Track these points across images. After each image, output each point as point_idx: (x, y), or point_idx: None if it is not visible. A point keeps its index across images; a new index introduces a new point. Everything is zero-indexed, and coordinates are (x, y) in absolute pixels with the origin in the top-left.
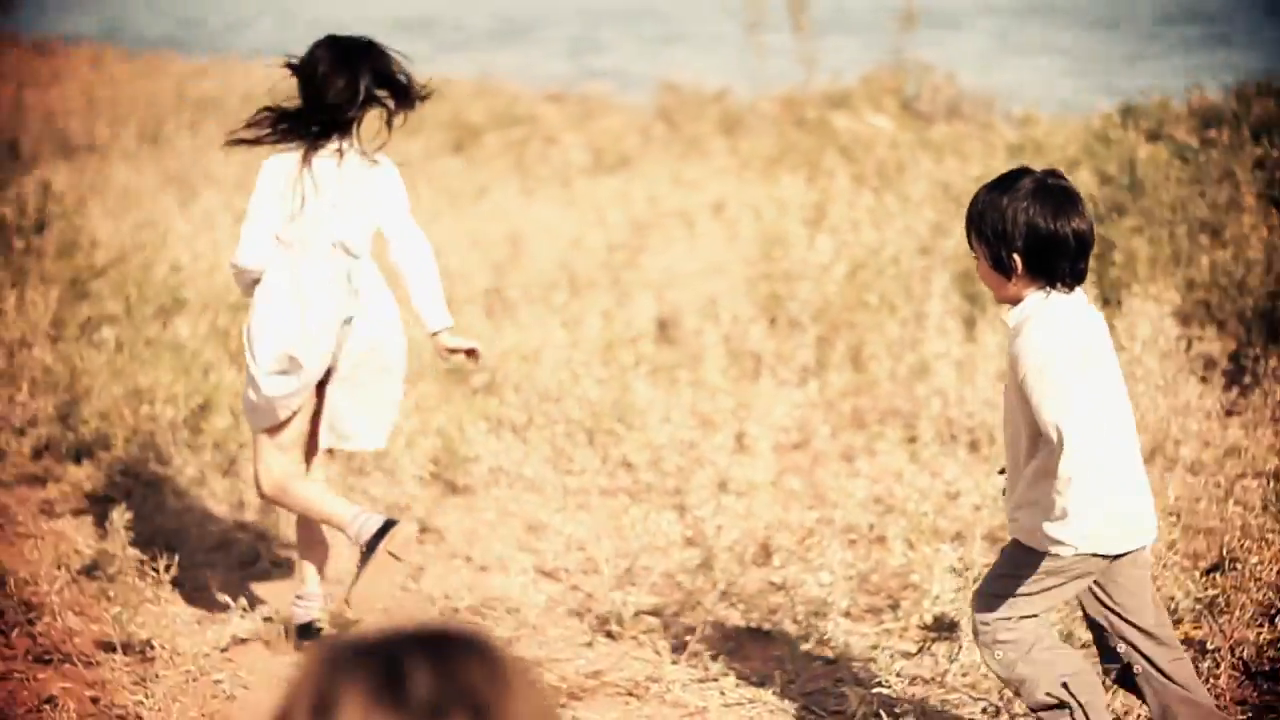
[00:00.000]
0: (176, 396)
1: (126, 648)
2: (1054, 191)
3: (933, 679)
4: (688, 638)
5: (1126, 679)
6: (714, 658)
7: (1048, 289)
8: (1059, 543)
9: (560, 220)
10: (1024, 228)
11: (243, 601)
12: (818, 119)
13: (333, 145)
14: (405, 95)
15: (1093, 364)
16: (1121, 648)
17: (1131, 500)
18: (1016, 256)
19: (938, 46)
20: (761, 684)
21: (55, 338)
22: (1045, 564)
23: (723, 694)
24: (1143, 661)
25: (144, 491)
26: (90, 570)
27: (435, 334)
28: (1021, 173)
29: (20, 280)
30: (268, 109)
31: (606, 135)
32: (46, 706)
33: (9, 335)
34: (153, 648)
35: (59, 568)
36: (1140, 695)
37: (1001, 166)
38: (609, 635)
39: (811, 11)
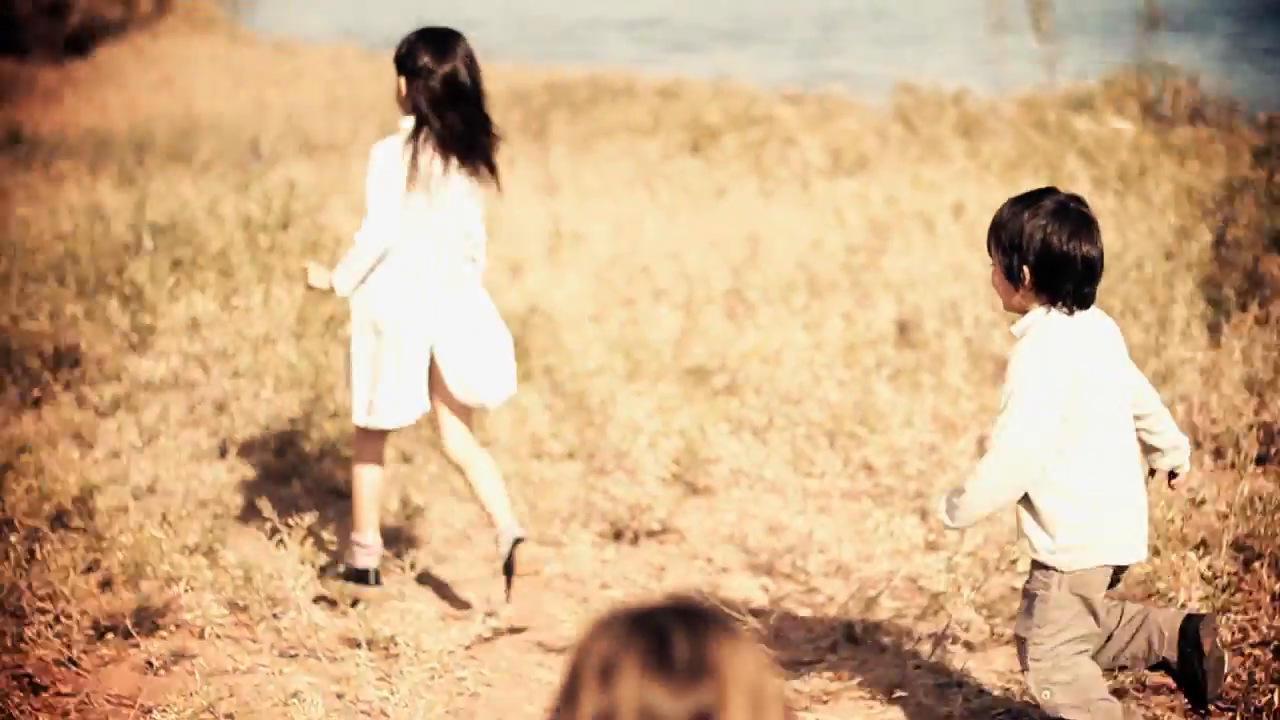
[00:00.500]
0: None
1: (371, 644)
2: (1073, 215)
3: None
4: (931, 643)
5: None
6: (958, 663)
7: (1049, 306)
8: (942, 515)
9: (799, 221)
10: (1038, 244)
11: (487, 599)
12: (1058, 121)
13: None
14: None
15: (1083, 388)
16: None
17: (1125, 516)
18: (1026, 269)
19: (1176, 49)
20: (1006, 690)
21: (299, 334)
22: (1061, 585)
23: (967, 700)
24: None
25: (387, 489)
26: (334, 566)
27: None
28: (1047, 192)
29: (266, 277)
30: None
31: (844, 136)
32: (293, 700)
33: (254, 332)
34: (397, 644)
35: (303, 563)
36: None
37: (1246, 170)
38: (852, 639)
39: (1051, 13)
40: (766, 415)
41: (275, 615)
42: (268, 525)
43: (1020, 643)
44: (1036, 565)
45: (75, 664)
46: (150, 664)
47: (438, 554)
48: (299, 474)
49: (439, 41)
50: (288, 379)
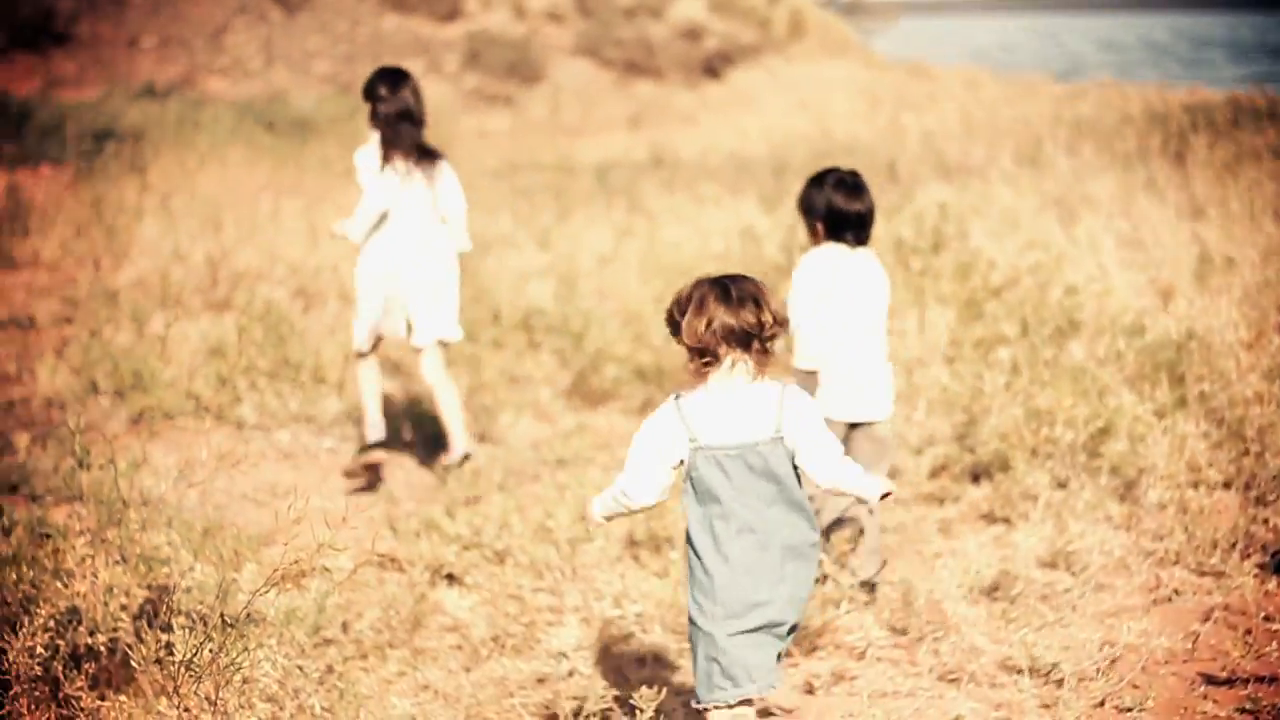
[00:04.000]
0: (1076, 419)
1: (1033, 670)
2: (848, 184)
3: None
4: None
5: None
6: None
7: (836, 244)
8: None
9: None
10: (825, 206)
11: (1142, 627)
12: None
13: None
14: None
15: (834, 294)
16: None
17: (859, 385)
18: (820, 224)
19: None
20: None
21: (952, 358)
22: None
23: None
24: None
25: (1041, 513)
26: (993, 590)
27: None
28: (831, 171)
29: (919, 300)
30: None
31: None
32: None
33: (908, 354)
34: (1060, 671)
35: (960, 587)
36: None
37: None
38: None
39: None
40: None
41: (935, 638)
42: (930, 548)
43: None
44: None
45: None
46: (811, 685)
47: (1098, 581)
48: (953, 497)
49: (392, 78)
50: (940, 401)
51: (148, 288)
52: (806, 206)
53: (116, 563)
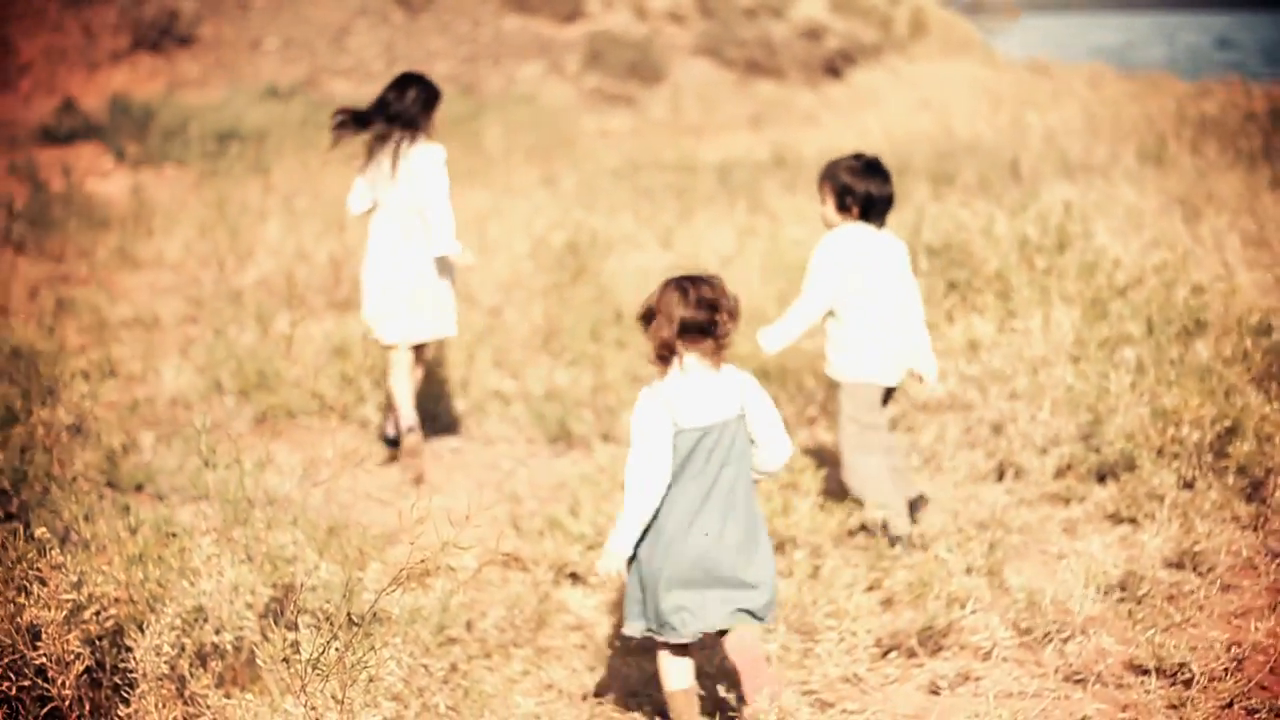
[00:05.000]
0: (1202, 419)
1: (1160, 671)
2: (878, 169)
3: None
4: None
5: None
6: None
7: (864, 225)
8: (761, 342)
9: None
10: (862, 190)
11: (1270, 628)
12: None
13: (395, 136)
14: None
15: (859, 270)
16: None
17: (885, 354)
18: (856, 205)
19: None
20: None
21: (1077, 357)
22: (841, 395)
23: None
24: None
25: (1168, 514)
26: (1119, 590)
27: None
28: (859, 156)
29: (1044, 299)
30: (341, 110)
31: None
32: None
33: (1032, 354)
34: (1190, 671)
35: (1088, 587)
36: None
37: None
38: None
39: None
40: None
41: (1061, 638)
42: (1055, 548)
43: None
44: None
45: (860, 681)
46: (936, 685)
47: (1225, 581)
48: (1078, 497)
49: (397, 83)
50: (1065, 401)
51: (272, 287)
52: (843, 188)
53: (242, 561)
